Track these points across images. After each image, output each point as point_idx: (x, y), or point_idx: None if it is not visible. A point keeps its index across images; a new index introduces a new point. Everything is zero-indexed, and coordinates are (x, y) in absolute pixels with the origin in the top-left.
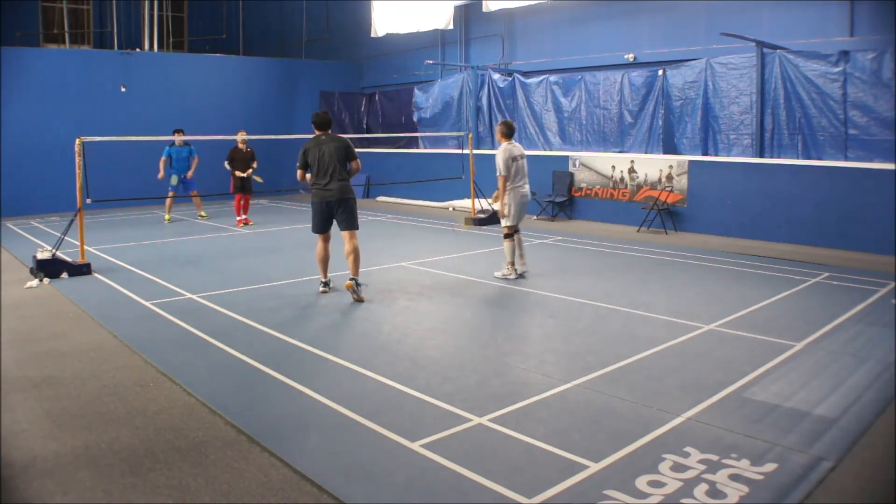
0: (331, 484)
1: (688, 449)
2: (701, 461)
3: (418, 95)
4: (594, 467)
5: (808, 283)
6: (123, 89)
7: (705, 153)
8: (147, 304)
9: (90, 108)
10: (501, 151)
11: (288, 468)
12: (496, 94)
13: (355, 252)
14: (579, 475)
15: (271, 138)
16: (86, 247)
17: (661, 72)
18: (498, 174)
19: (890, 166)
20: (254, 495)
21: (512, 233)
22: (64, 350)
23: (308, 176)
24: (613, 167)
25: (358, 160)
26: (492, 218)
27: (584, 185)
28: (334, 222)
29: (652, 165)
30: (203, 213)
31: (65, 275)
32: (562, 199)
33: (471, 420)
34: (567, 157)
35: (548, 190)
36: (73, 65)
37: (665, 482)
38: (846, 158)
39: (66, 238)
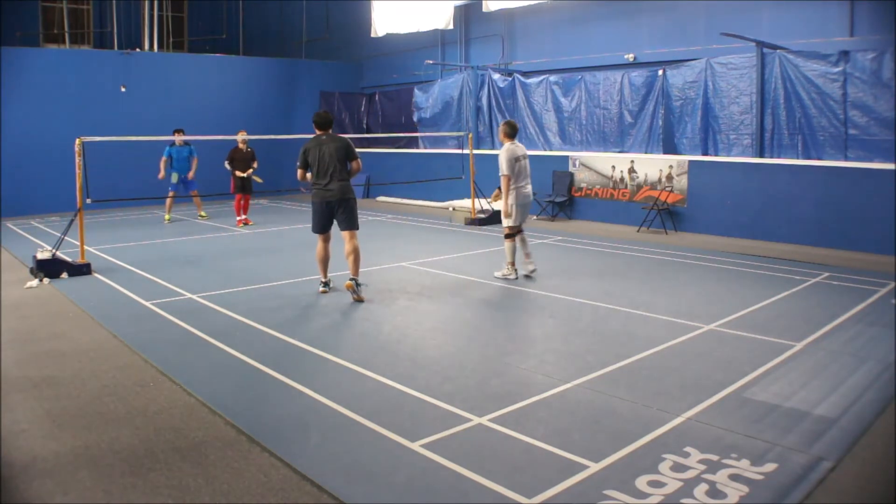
0: (331, 484)
1: (688, 449)
2: (701, 461)
3: (418, 95)
4: (594, 467)
5: (808, 283)
6: (123, 89)
7: (705, 153)
8: (147, 304)
9: (90, 108)
10: (505, 151)
11: (288, 468)
12: (496, 94)
13: (355, 252)
14: (579, 475)
15: (271, 138)
16: (86, 247)
17: (661, 72)
18: (501, 173)
19: (890, 166)
20: (254, 495)
21: (513, 233)
22: (64, 350)
23: (308, 175)
24: (613, 167)
25: (359, 160)
26: (492, 218)
27: (584, 185)
28: (334, 222)
29: (652, 165)
30: (203, 213)
31: (65, 275)
32: (562, 199)
33: (471, 420)
34: (567, 157)
35: (548, 190)
36: (73, 65)
37: (665, 482)
38: (846, 158)
39: (66, 238)
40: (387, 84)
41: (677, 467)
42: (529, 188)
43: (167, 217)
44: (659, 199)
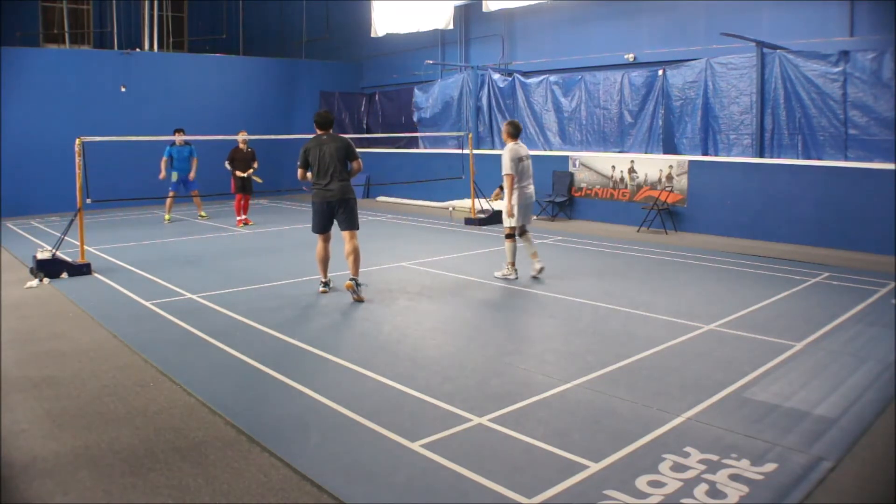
0: (331, 484)
1: (688, 449)
2: (701, 461)
3: (418, 95)
4: (594, 467)
5: (808, 283)
6: (123, 89)
7: (705, 153)
8: (147, 304)
9: (90, 108)
10: (508, 151)
11: (288, 468)
12: (496, 94)
13: (355, 252)
14: (579, 475)
15: (271, 138)
16: (86, 247)
17: (661, 72)
18: (504, 172)
19: (890, 166)
20: (254, 495)
21: (513, 233)
22: (64, 350)
23: (308, 175)
24: (613, 167)
25: (359, 160)
26: (491, 218)
27: (584, 185)
28: (335, 222)
29: (652, 165)
30: (203, 213)
31: (65, 275)
32: (562, 199)
33: (471, 420)
34: (567, 157)
35: (548, 190)
36: (73, 65)
37: (665, 482)
38: (846, 158)
39: (66, 238)
40: (387, 84)
41: (677, 467)
42: (531, 188)
43: (167, 217)
44: (659, 199)
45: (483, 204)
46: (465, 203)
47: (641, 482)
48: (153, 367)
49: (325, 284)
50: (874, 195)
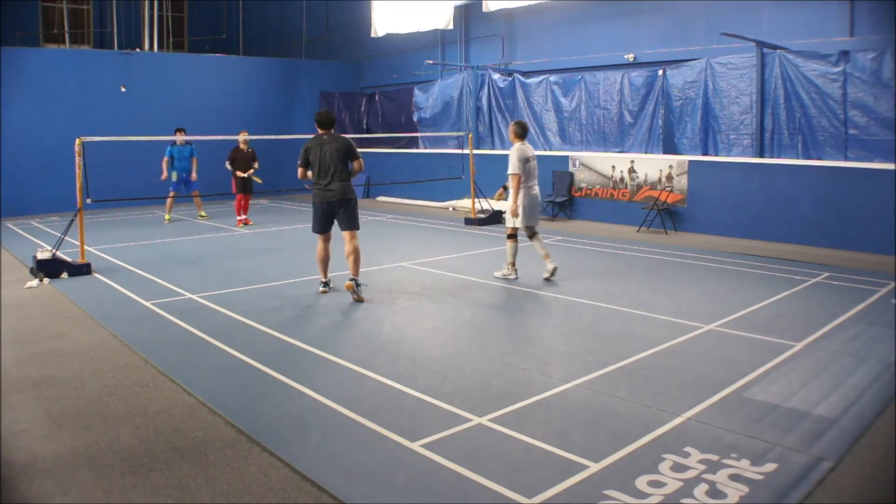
0: (331, 484)
1: (688, 449)
2: (701, 461)
3: (418, 95)
4: (594, 467)
5: (808, 283)
6: (123, 89)
7: (705, 153)
8: (147, 304)
9: (90, 108)
10: (515, 150)
11: (288, 468)
12: (496, 94)
13: (356, 252)
14: (579, 475)
15: (271, 138)
16: (86, 247)
17: (661, 72)
18: (511, 172)
19: (890, 166)
20: (254, 495)
21: (515, 233)
22: (64, 350)
23: (309, 174)
24: (613, 167)
25: (360, 160)
26: (491, 218)
27: (584, 185)
28: (335, 222)
29: (652, 165)
30: (203, 213)
31: (65, 275)
32: (562, 199)
33: (471, 420)
34: (567, 157)
35: (548, 190)
36: (73, 65)
37: (665, 482)
38: (846, 158)
39: (66, 238)
40: (387, 84)
41: (677, 467)
42: (537, 189)
43: (167, 217)
44: (659, 199)
45: (483, 204)
46: (465, 203)
47: (641, 482)
48: (153, 367)
49: (325, 284)
50: (874, 195)
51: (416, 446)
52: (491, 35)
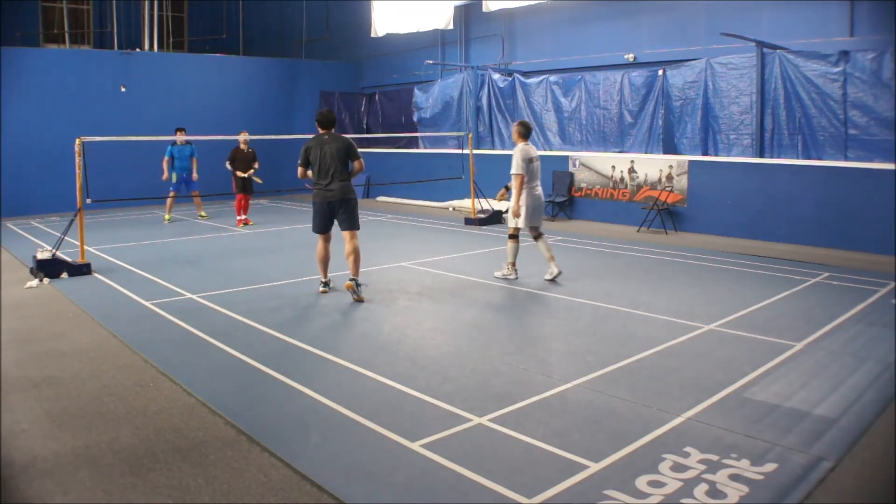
0: (331, 484)
1: (688, 449)
2: (701, 461)
3: (418, 95)
4: (594, 467)
5: (808, 283)
6: (123, 89)
7: (705, 153)
8: (147, 304)
9: (90, 108)
10: (519, 151)
11: (288, 468)
12: (496, 94)
13: (356, 252)
14: (579, 475)
15: (271, 138)
16: (86, 247)
17: (661, 72)
18: (514, 171)
19: (890, 166)
20: (254, 495)
21: (517, 234)
22: (64, 350)
23: (309, 173)
24: (613, 167)
25: (361, 160)
26: (491, 218)
27: (584, 185)
28: (335, 222)
29: (652, 165)
30: (203, 213)
31: (65, 275)
32: (562, 199)
33: (471, 420)
34: (567, 157)
35: (548, 190)
36: (73, 65)
37: (665, 482)
38: (846, 158)
39: (66, 238)
40: (387, 84)
41: (677, 467)
42: (540, 189)
43: (167, 217)
44: (659, 199)
45: (483, 204)
46: (465, 203)
47: (641, 482)
48: (153, 367)
49: (325, 284)
50: (874, 195)
51: (416, 446)
52: (491, 35)
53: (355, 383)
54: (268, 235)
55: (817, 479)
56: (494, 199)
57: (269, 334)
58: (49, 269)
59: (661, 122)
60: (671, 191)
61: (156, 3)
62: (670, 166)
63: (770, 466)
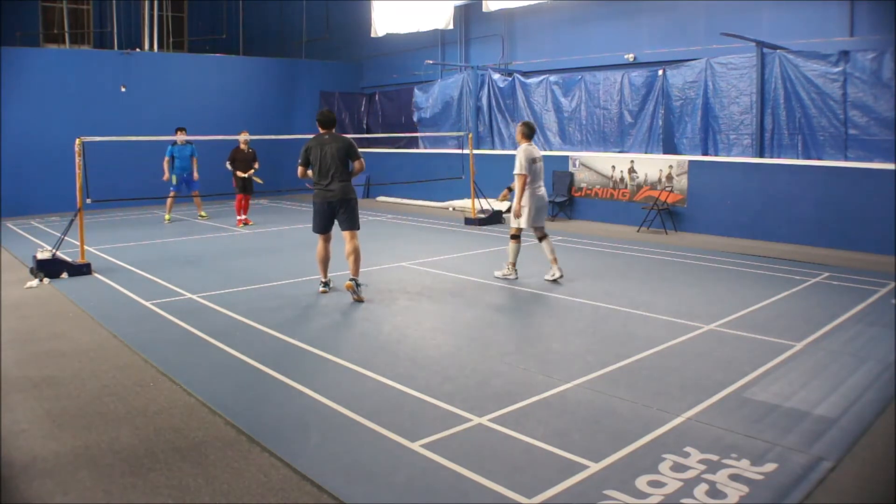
0: (331, 484)
1: (688, 449)
2: (701, 461)
3: (418, 95)
4: (594, 467)
5: (808, 283)
6: (123, 89)
7: (705, 153)
8: (147, 304)
9: (90, 108)
10: (522, 151)
11: (288, 468)
12: (496, 94)
13: (356, 252)
14: (579, 475)
15: (271, 138)
16: (86, 247)
17: (661, 72)
18: (517, 172)
19: (890, 166)
20: (254, 495)
21: (519, 234)
22: (64, 350)
23: (309, 172)
24: (613, 167)
25: (361, 160)
26: (491, 218)
27: (584, 185)
28: (335, 222)
29: (652, 165)
30: (203, 213)
31: (65, 275)
32: (562, 199)
33: (471, 420)
34: (567, 157)
35: (548, 190)
36: (73, 65)
37: (665, 482)
38: (846, 158)
39: (66, 238)
40: (387, 84)
41: (677, 467)
42: (543, 189)
43: (167, 217)
44: (659, 199)
45: (483, 204)
46: (465, 203)
47: (641, 482)
48: (153, 367)
49: (325, 284)
50: (874, 195)
51: (416, 446)
52: (491, 35)
53: (355, 383)
54: (268, 235)
55: (817, 479)
56: (496, 199)
57: (269, 334)
58: (49, 269)
59: (661, 122)
60: (671, 191)
61: (156, 3)
62: (670, 166)
63: (770, 466)
